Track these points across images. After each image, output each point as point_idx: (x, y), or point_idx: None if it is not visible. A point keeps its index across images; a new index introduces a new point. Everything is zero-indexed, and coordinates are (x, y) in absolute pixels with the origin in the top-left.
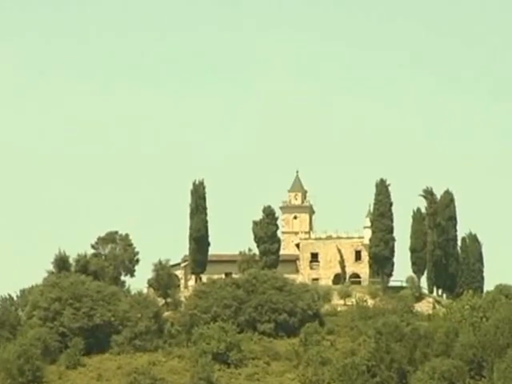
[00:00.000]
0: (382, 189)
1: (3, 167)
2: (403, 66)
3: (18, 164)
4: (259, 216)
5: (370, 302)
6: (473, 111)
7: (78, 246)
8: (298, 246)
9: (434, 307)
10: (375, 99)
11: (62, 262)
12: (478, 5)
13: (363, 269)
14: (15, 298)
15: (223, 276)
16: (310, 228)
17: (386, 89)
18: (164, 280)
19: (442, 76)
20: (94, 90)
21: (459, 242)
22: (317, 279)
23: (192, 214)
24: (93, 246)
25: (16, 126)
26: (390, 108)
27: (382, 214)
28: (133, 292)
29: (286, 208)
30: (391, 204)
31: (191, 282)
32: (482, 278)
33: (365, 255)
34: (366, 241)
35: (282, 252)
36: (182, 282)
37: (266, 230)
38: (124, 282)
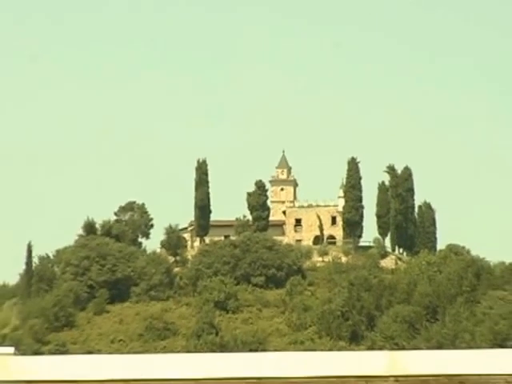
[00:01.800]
0: (353, 166)
1: (42, 149)
2: (373, 56)
3: (55, 145)
4: (252, 188)
5: (344, 259)
6: (427, 97)
7: (103, 214)
8: (284, 213)
9: (397, 263)
10: (352, 89)
11: (89, 227)
12: None
13: (338, 231)
14: (51, 257)
15: (223, 238)
16: (294, 198)
17: (362, 79)
18: (174, 241)
19: (403, 62)
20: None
21: (416, 209)
22: (300, 240)
23: (196, 187)
24: (115, 214)
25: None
26: (358, 98)
27: (352, 186)
28: (148, 251)
29: (274, 182)
30: (360, 178)
31: (196, 243)
32: (436, 238)
33: (339, 220)
34: (340, 208)
35: (271, 218)
36: (189, 243)
37: (258, 200)
38: (141, 243)
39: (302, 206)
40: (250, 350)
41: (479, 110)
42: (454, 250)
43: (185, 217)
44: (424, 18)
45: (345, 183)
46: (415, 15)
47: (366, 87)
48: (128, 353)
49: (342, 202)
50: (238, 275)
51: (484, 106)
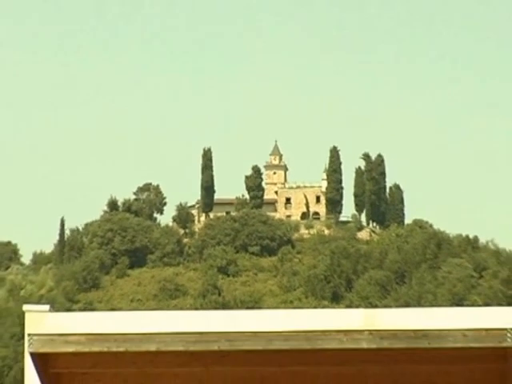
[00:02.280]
0: (334, 153)
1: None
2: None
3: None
4: (249, 172)
5: (326, 232)
6: (396, 92)
7: (124, 193)
8: (276, 193)
9: (371, 235)
10: (334, 86)
11: (112, 205)
12: None
13: (321, 209)
14: (81, 230)
15: (224, 214)
16: (285, 180)
17: (342, 76)
18: (183, 217)
19: (377, 53)
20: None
21: (387, 190)
22: (289, 216)
23: (202, 171)
24: (134, 193)
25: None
26: (339, 93)
27: (334, 170)
28: (162, 225)
29: (268, 167)
30: (340, 163)
31: (202, 218)
32: (403, 214)
33: (322, 199)
34: (323, 189)
35: (265, 197)
36: (196, 218)
37: (254, 182)
38: (156, 218)
39: (291, 187)
40: (247, 308)
41: (439, 101)
42: (419, 224)
43: (193, 196)
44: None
45: (327, 168)
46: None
47: (345, 84)
48: (145, 310)
49: (324, 184)
50: (237, 245)
51: (445, 97)
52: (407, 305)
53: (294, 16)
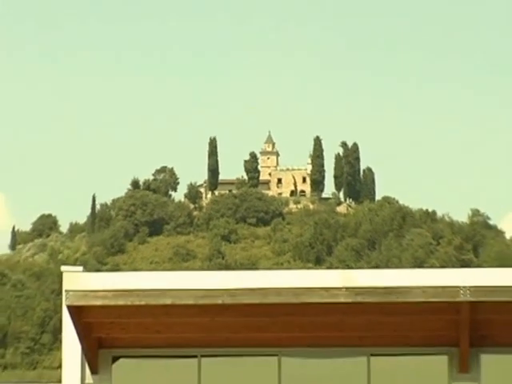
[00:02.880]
0: (318, 141)
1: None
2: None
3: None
4: (247, 157)
5: (311, 206)
6: (371, 81)
7: (144, 174)
8: (269, 174)
9: (347, 209)
10: (316, 81)
11: (135, 184)
12: None
13: (307, 187)
14: (109, 204)
15: (227, 192)
16: (277, 164)
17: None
18: (193, 194)
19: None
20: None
21: (361, 172)
22: (280, 193)
23: (209, 156)
24: (153, 174)
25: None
26: (320, 88)
27: (317, 156)
28: (175, 201)
29: (263, 153)
30: (323, 150)
31: (209, 195)
32: (374, 192)
33: (308, 180)
34: (309, 171)
35: (260, 178)
36: (204, 195)
37: (252, 165)
38: (170, 195)
39: (282, 170)
40: (246, 269)
41: (403, 95)
42: (387, 200)
43: (201, 177)
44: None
45: (312, 154)
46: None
47: (328, 83)
48: (161, 270)
49: (309, 167)
50: (238, 217)
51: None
52: (377, 267)
53: (294, 15)
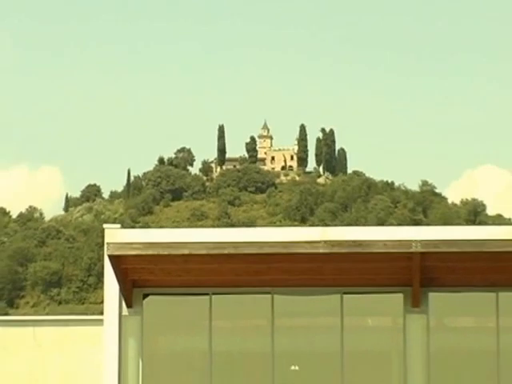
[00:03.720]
0: (302, 128)
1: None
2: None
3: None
4: (248, 140)
5: (297, 178)
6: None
7: (168, 153)
8: (265, 153)
9: (325, 181)
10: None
11: (161, 160)
12: None
13: (294, 163)
14: (140, 176)
15: (232, 166)
16: (271, 145)
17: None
18: (206, 168)
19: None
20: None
21: (336, 152)
22: (273, 168)
23: (218, 138)
24: (174, 153)
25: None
26: (306, 83)
27: (302, 139)
28: (192, 174)
29: (260, 136)
30: (306, 134)
31: (218, 170)
32: (347, 167)
33: (295, 157)
34: (295, 151)
35: (258, 156)
36: (214, 169)
37: (251, 146)
38: (188, 169)
39: (275, 150)
40: (247, 227)
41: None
42: (357, 173)
43: (212, 155)
44: None
45: (298, 137)
46: None
47: (310, 79)
48: (181, 228)
49: (296, 148)
50: (240, 186)
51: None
52: (349, 225)
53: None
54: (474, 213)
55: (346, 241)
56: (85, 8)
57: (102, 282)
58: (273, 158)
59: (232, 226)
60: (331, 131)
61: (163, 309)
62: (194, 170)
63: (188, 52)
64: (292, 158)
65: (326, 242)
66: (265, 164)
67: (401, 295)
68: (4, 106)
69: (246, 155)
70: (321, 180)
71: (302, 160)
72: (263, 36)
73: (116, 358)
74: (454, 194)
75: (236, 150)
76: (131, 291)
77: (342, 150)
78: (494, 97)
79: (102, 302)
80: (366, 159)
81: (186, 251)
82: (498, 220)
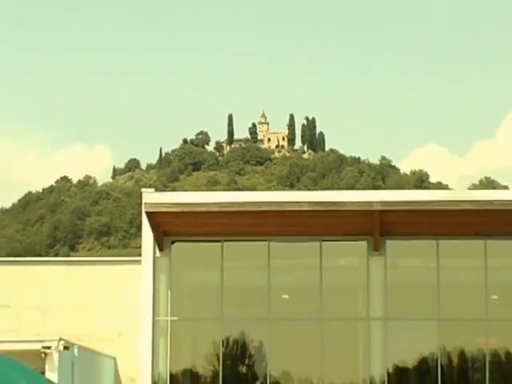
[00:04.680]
0: (292, 117)
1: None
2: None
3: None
4: (250, 125)
5: (287, 154)
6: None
7: (190, 135)
8: (263, 135)
9: (308, 156)
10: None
11: (185, 140)
12: None
13: (285, 143)
14: (170, 152)
15: (238, 145)
16: (268, 129)
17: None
18: (218, 146)
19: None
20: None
21: (317, 135)
22: (269, 146)
23: (227, 125)
24: (195, 135)
25: None
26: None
27: (291, 125)
28: (208, 151)
29: (260, 123)
30: (294, 122)
31: (228, 148)
32: (325, 146)
33: (286, 139)
34: (286, 134)
35: (258, 138)
36: (225, 147)
37: (253, 129)
38: (205, 147)
39: (271, 133)
40: (249, 190)
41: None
42: (332, 151)
43: (223, 137)
44: None
45: (288, 123)
46: None
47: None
48: (199, 191)
49: (287, 131)
50: (245, 160)
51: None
52: (326, 189)
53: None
54: (420, 180)
55: (324, 201)
56: None
57: (141, 232)
58: (269, 139)
59: (238, 189)
60: (313, 119)
61: (187, 252)
62: (210, 148)
63: (206, 57)
64: (283, 139)
65: (309, 202)
66: (263, 143)
67: (365, 242)
68: (66, 96)
69: (249, 137)
70: (305, 156)
71: (291, 140)
72: (262, 40)
73: (151, 290)
74: (406, 166)
75: (241, 133)
76: (162, 239)
77: (321, 133)
78: (435, 89)
79: (141, 247)
80: (340, 140)
81: (203, 209)
82: (439, 186)
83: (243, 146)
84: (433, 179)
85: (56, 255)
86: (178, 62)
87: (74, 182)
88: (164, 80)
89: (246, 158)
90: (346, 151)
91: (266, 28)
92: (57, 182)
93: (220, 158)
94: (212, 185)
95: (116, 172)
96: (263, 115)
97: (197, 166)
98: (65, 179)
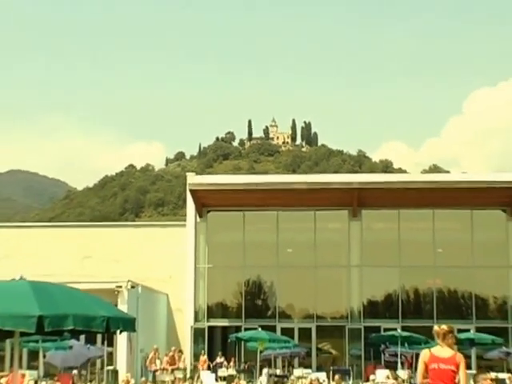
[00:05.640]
0: (294, 121)
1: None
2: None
3: None
4: (264, 127)
5: (291, 148)
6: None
7: (221, 134)
8: (273, 134)
9: (306, 149)
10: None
11: (217, 138)
12: None
13: (289, 141)
14: (206, 147)
15: (256, 142)
16: (277, 130)
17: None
18: (242, 143)
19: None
20: None
21: (312, 134)
22: (277, 143)
23: (248, 126)
24: (224, 134)
25: None
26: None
27: (293, 127)
28: (234, 145)
29: (271, 126)
30: (296, 125)
31: (248, 144)
32: (318, 142)
33: (290, 137)
34: (290, 133)
35: (270, 136)
36: (246, 143)
37: (267, 131)
38: (232, 143)
39: (279, 133)
40: (263, 174)
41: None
42: (324, 145)
43: (245, 135)
44: None
45: (291, 125)
46: None
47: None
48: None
49: (290, 132)
50: (260, 152)
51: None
52: (320, 173)
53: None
54: (387, 167)
55: (317, 182)
56: None
57: (186, 204)
58: (277, 137)
59: (255, 174)
60: (309, 122)
61: (218, 218)
62: (235, 143)
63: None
64: (288, 137)
65: (306, 182)
66: (273, 140)
67: (346, 211)
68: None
69: (263, 136)
70: (304, 149)
71: (293, 138)
72: (272, 69)
73: (193, 245)
74: (376, 156)
75: (258, 133)
76: (201, 209)
77: (315, 133)
78: (402, 89)
79: (186, 215)
80: (328, 137)
81: (230, 187)
82: (400, 171)
83: (259, 142)
84: (395, 166)
85: (125, 221)
86: (216, 82)
87: (138, 168)
88: (204, 93)
89: (261, 151)
90: (333, 146)
91: (270, 60)
92: (126, 168)
93: (242, 151)
94: (236, 170)
95: (168, 161)
96: (273, 120)
97: (225, 157)
98: (131, 166)
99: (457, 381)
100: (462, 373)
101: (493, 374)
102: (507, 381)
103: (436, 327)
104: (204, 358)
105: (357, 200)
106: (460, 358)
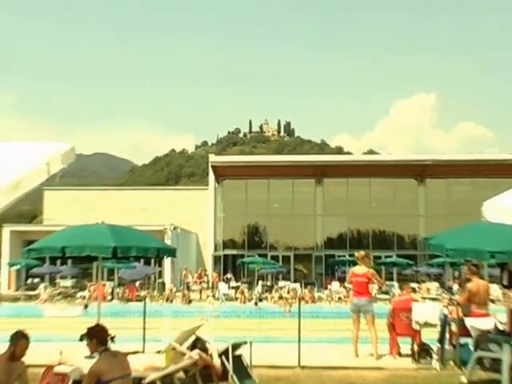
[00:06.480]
0: (279, 122)
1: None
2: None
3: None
4: (260, 124)
5: (277, 139)
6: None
7: (231, 129)
8: (266, 129)
9: (287, 139)
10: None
11: (228, 132)
12: None
13: (276, 133)
14: (222, 137)
15: (254, 134)
16: (268, 127)
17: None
18: (244, 134)
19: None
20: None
21: (291, 129)
22: (269, 135)
23: (249, 125)
24: (234, 129)
25: None
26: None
27: (278, 125)
28: (240, 136)
29: (264, 124)
30: (280, 123)
31: (249, 135)
32: (294, 135)
33: (276, 132)
34: (276, 129)
35: (263, 130)
36: (248, 135)
37: (262, 128)
38: (239, 135)
39: (269, 129)
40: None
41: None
42: (299, 137)
43: (247, 130)
44: None
45: (277, 123)
46: None
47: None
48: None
49: (276, 127)
50: (257, 141)
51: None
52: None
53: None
54: (339, 151)
55: (294, 160)
56: None
57: (208, 175)
58: (268, 131)
59: (254, 155)
60: (289, 122)
61: (230, 185)
62: (241, 135)
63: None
64: (275, 131)
65: (287, 161)
66: (266, 133)
67: (313, 180)
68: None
69: (259, 130)
70: (286, 139)
71: (279, 132)
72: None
73: (213, 201)
74: (333, 144)
75: (256, 128)
76: (218, 178)
77: (293, 129)
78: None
79: (208, 183)
80: (302, 131)
81: (238, 164)
82: (348, 154)
83: (256, 134)
84: (345, 150)
85: (169, 186)
86: (230, 95)
87: (177, 151)
88: (221, 103)
89: (257, 140)
90: (305, 136)
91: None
92: (170, 151)
93: (245, 140)
94: (241, 153)
95: (196, 147)
96: (266, 120)
97: (234, 144)
98: (173, 150)
99: (370, 288)
100: (375, 280)
101: (411, 285)
102: (417, 288)
103: (356, 253)
104: (215, 274)
105: (320, 173)
106: (370, 273)
